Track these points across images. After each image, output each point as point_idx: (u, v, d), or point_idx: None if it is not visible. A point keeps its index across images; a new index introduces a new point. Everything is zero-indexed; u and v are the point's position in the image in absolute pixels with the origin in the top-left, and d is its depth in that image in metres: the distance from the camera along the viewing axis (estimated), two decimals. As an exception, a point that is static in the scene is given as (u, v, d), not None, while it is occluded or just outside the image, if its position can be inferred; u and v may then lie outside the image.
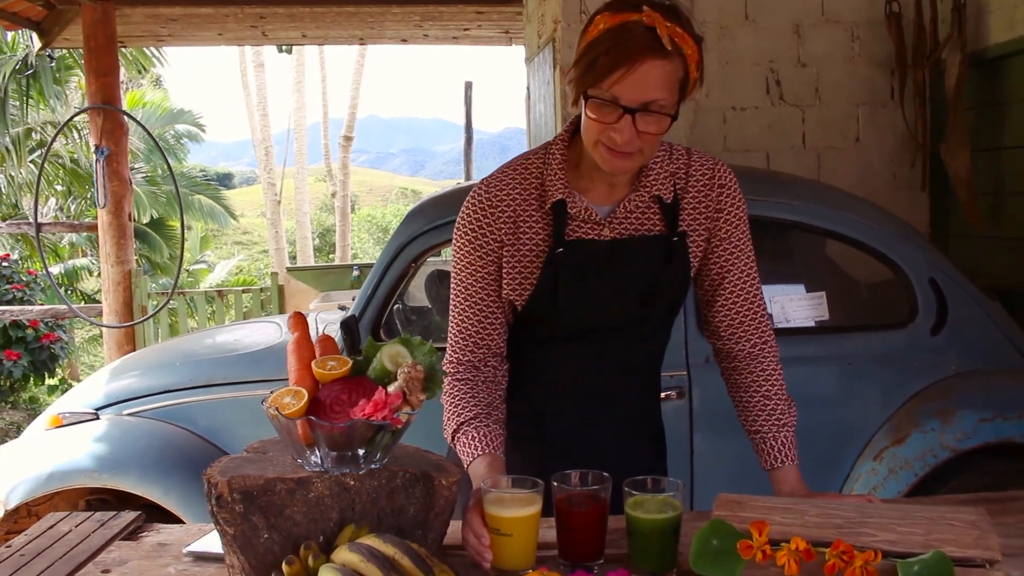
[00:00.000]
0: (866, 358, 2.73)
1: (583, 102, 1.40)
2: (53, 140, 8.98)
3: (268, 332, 3.21)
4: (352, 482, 1.30)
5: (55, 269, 14.83)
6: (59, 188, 14.40)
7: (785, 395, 1.60)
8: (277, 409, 1.28)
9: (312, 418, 1.26)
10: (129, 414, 2.89)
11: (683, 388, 2.63)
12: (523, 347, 1.61)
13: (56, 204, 15.33)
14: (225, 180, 33.91)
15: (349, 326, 2.65)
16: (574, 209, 1.52)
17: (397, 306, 3.07)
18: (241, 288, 7.10)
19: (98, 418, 2.88)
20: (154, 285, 14.83)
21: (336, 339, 2.79)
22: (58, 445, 2.77)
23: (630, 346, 1.61)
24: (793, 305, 2.73)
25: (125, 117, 5.84)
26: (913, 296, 2.74)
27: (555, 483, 1.33)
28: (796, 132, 4.45)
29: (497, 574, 1.32)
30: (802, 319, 2.76)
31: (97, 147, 5.60)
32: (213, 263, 20.34)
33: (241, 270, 21.24)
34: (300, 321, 1.44)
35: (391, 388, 1.32)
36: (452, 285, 1.62)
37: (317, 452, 1.29)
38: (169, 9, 5.80)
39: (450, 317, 1.62)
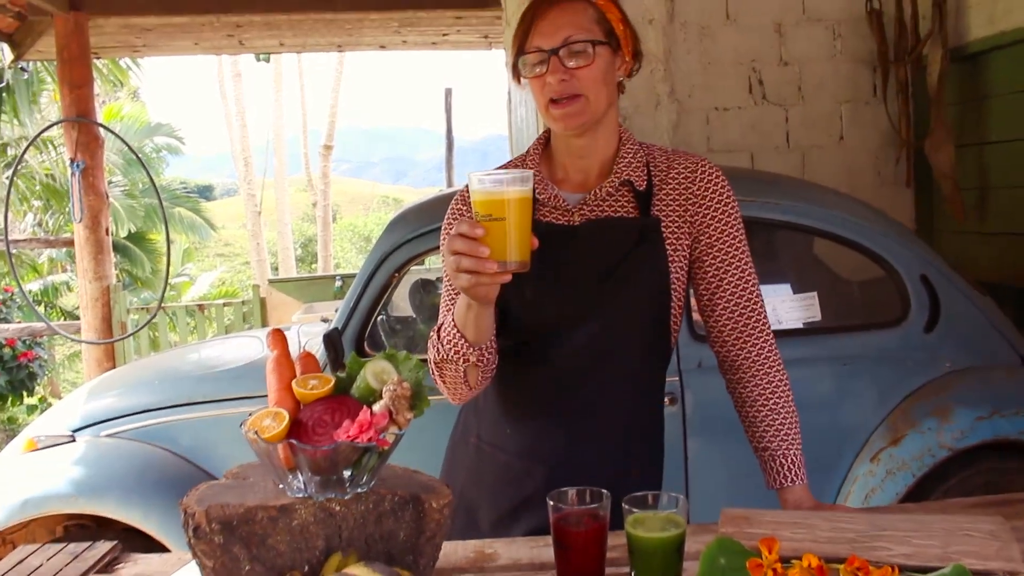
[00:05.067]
0: (860, 358, 2.69)
1: (524, 81, 1.48)
2: (23, 153, 8.87)
3: (250, 347, 3.13)
4: (338, 507, 1.24)
5: (34, 285, 14.65)
6: (37, 203, 14.23)
7: (792, 407, 1.55)
8: (256, 433, 1.22)
9: (293, 442, 1.19)
10: (107, 435, 2.80)
11: (675, 394, 2.58)
12: (504, 368, 1.54)
13: (34, 219, 15.16)
14: (206, 192, 33.69)
15: (332, 339, 2.58)
16: (543, 196, 1.53)
17: (381, 317, 3.00)
18: (222, 301, 7.01)
19: (75, 440, 2.80)
20: (136, 299, 14.71)
21: (319, 354, 2.73)
22: (33, 470, 2.68)
23: (611, 342, 1.52)
24: (785, 307, 2.69)
25: (101, 130, 5.74)
26: (905, 294, 2.70)
27: (551, 502, 1.27)
28: (780, 131, 4.43)
29: (496, 271, 1.22)
30: (794, 320, 2.71)
31: (72, 160, 5.51)
32: (195, 276, 20.18)
33: (223, 282, 21.08)
34: (279, 339, 1.38)
35: (376, 407, 1.26)
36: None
37: (300, 477, 1.23)
38: (143, 19, 5.71)
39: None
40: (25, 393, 7.54)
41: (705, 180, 1.53)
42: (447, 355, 1.44)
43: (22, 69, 6.41)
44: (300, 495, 1.23)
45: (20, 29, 5.86)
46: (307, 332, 3.22)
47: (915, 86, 4.25)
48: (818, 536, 1.15)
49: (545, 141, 1.60)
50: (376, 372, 1.31)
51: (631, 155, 1.53)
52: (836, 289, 2.97)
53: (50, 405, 8.10)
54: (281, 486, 1.25)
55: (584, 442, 1.55)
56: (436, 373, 1.50)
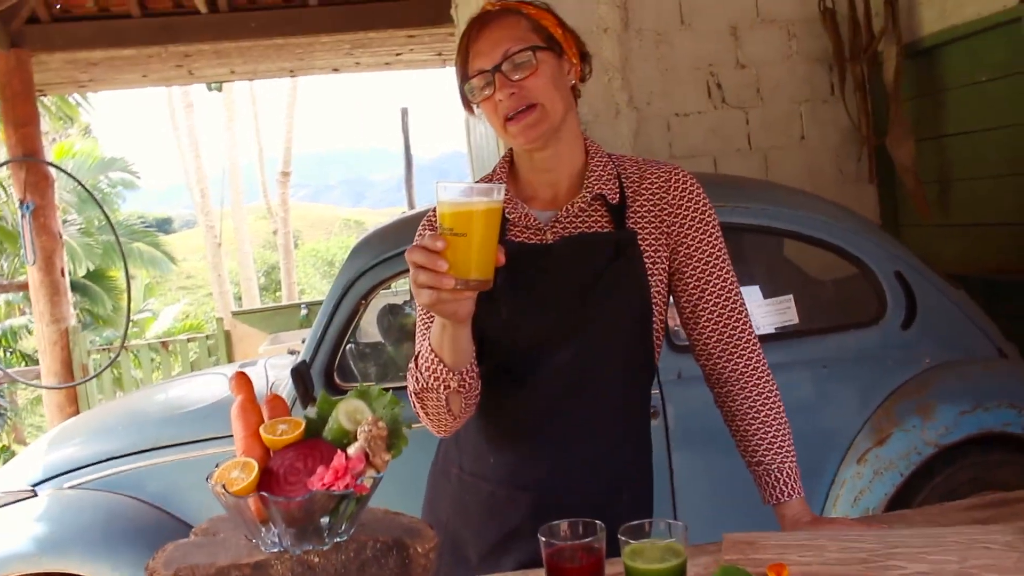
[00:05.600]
0: (839, 360, 2.65)
1: (475, 107, 1.44)
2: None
3: (215, 385, 3.03)
4: (316, 559, 1.16)
5: (-10, 330, 14.31)
6: (-8, 246, 13.94)
7: (783, 418, 1.50)
8: (224, 487, 1.14)
9: (264, 494, 1.11)
10: (70, 487, 2.69)
11: (657, 407, 2.52)
12: (483, 394, 1.47)
13: (-9, 261, 14.84)
14: (164, 225, 33.27)
15: (301, 373, 2.49)
16: (513, 215, 1.47)
17: (350, 345, 2.92)
18: (186, 337, 6.85)
19: (36, 495, 2.67)
20: (98, 339, 14.41)
21: (287, 389, 2.64)
22: (-6, 528, 2.55)
23: (593, 362, 1.45)
24: (761, 312, 2.65)
25: (51, 168, 5.60)
26: (881, 292, 2.68)
27: (543, 538, 1.20)
28: (741, 134, 4.42)
29: (457, 287, 1.14)
30: (771, 325, 2.67)
31: (22, 202, 5.35)
32: (158, 310, 19.85)
33: (188, 315, 20.76)
34: (243, 382, 1.30)
35: (351, 449, 1.18)
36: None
37: (274, 530, 1.15)
38: (88, 53, 5.58)
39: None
40: (-14, 442, 7.32)
41: (679, 188, 1.48)
42: (427, 383, 1.37)
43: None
44: (275, 549, 1.15)
45: (-39, 69, 5.70)
46: (275, 365, 3.13)
47: (872, 83, 4.26)
48: (827, 558, 1.10)
49: (511, 160, 1.54)
50: (349, 412, 1.24)
51: (601, 167, 1.48)
52: (811, 291, 2.94)
53: (14, 453, 7.87)
54: (254, 541, 1.17)
55: (570, 467, 1.48)
56: (417, 404, 1.42)
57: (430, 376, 1.36)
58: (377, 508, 1.32)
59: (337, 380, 2.64)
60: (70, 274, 15.42)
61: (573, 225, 1.46)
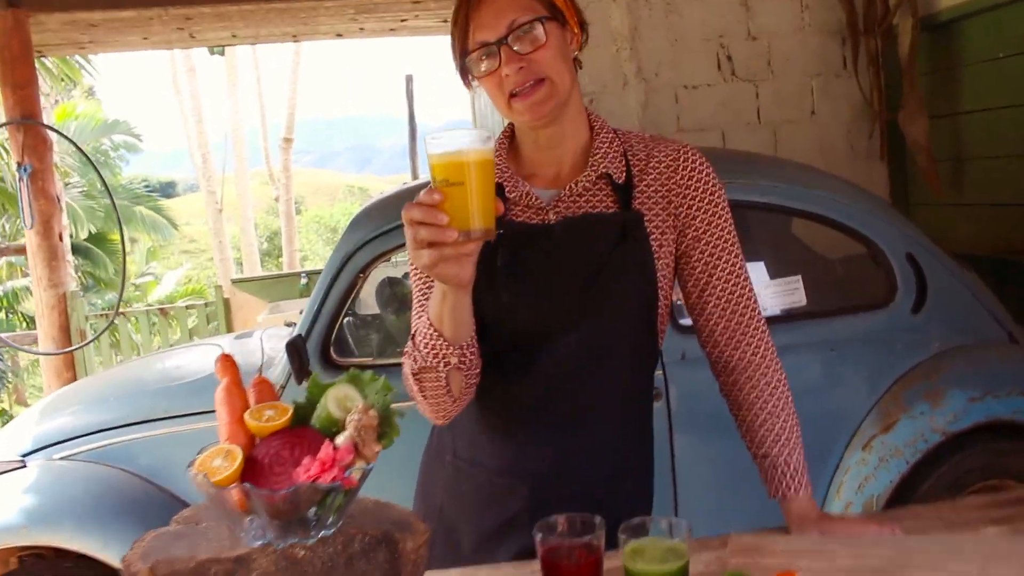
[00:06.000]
0: (847, 343, 2.59)
1: (474, 81, 1.36)
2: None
3: (211, 356, 2.97)
4: (302, 552, 1.11)
5: (-7, 292, 14.30)
6: (-7, 207, 13.90)
7: (791, 409, 1.44)
8: (205, 476, 1.08)
9: (247, 485, 1.06)
10: (61, 458, 2.64)
11: (659, 389, 2.47)
12: (481, 379, 1.41)
13: (-8, 222, 14.81)
14: (168, 188, 33.19)
15: (296, 347, 2.43)
16: (513, 194, 1.40)
17: (349, 319, 2.87)
18: (185, 304, 6.80)
19: (25, 466, 2.63)
20: (100, 302, 14.39)
21: (281, 366, 2.58)
22: (-19, 500, 2.51)
23: (596, 348, 1.39)
24: (768, 292, 2.58)
25: (49, 131, 5.51)
26: (892, 274, 2.61)
27: (539, 534, 1.15)
28: (750, 108, 4.33)
29: (458, 239, 1.10)
30: (778, 306, 2.61)
31: (20, 165, 5.26)
32: (160, 274, 19.82)
33: (190, 279, 20.74)
34: (228, 365, 1.24)
35: (340, 439, 1.12)
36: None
37: (257, 521, 1.09)
38: (88, 14, 5.45)
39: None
40: (-15, 406, 7.30)
41: (688, 168, 1.41)
42: (426, 361, 1.29)
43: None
44: (259, 542, 1.10)
45: (-42, 29, 5.60)
46: (271, 336, 3.08)
47: (886, 57, 4.16)
48: (840, 566, 1.04)
49: (510, 135, 1.47)
50: (339, 399, 1.18)
51: (607, 145, 1.41)
52: (819, 271, 2.87)
53: (11, 417, 7.86)
54: (237, 533, 1.12)
55: (570, 456, 1.43)
56: (415, 387, 1.35)
57: (429, 353, 1.29)
58: (366, 499, 1.26)
59: (333, 355, 2.58)
60: (72, 237, 15.41)
61: (577, 205, 1.39)
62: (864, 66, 4.23)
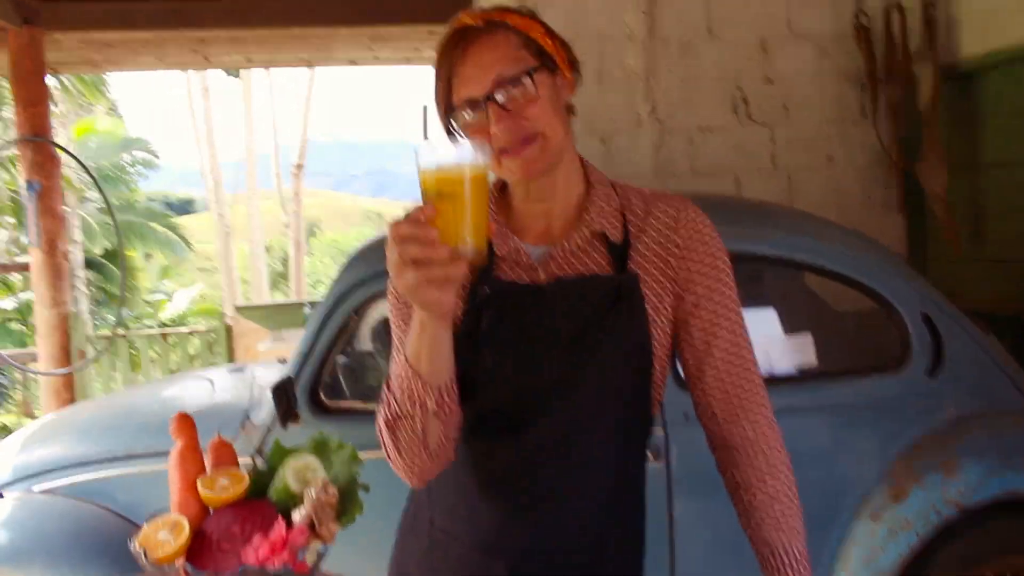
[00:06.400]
0: (857, 406, 2.48)
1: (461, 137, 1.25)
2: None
3: (198, 391, 2.89)
4: (249, 640, 1.01)
5: (8, 303, 14.32)
6: (11, 220, 13.98)
7: (793, 492, 1.33)
8: (145, 552, 0.99)
9: (188, 567, 0.97)
10: (40, 490, 2.56)
11: (659, 449, 2.37)
12: (462, 444, 1.32)
13: (8, 237, 14.88)
14: (187, 206, 33.40)
15: (284, 391, 2.34)
16: (503, 250, 1.31)
17: (342, 359, 2.78)
18: (187, 329, 6.74)
19: (2, 496, 2.55)
20: (112, 317, 14.36)
21: (264, 414, 2.49)
22: (-47, 533, 2.43)
23: (585, 418, 1.29)
24: (776, 351, 2.48)
25: (64, 149, 5.50)
26: (906, 335, 2.50)
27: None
28: (765, 152, 4.25)
29: (449, 257, 1.02)
30: (786, 366, 2.51)
31: (28, 182, 5.24)
32: (172, 292, 19.84)
33: (204, 297, 20.75)
34: (185, 425, 1.16)
35: (297, 515, 1.04)
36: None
37: (201, 606, 1.00)
38: (103, 34, 5.46)
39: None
40: (-16, 421, 7.25)
41: (689, 228, 1.32)
42: (401, 407, 1.19)
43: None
44: (201, 628, 1.01)
45: (-27, 45, 5.61)
46: (264, 372, 2.99)
47: (906, 106, 4.08)
48: None
49: (501, 185, 1.38)
50: (298, 470, 1.09)
51: (603, 200, 1.32)
52: (831, 329, 2.77)
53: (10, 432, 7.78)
54: (179, 616, 1.03)
55: (552, 532, 1.32)
56: (389, 440, 1.24)
57: (404, 397, 1.18)
58: (327, 573, 1.17)
59: (323, 398, 2.49)
60: (86, 252, 15.44)
61: (569, 264, 1.30)
62: (883, 114, 4.14)
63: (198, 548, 1.02)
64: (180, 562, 1.01)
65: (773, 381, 2.46)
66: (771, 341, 2.50)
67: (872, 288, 2.50)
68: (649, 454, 2.31)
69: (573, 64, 1.31)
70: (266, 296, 16.99)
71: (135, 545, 1.02)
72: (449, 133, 1.26)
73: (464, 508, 1.37)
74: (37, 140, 5.13)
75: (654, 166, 4.12)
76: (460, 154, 1.03)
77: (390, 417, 1.21)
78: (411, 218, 1.02)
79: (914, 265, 3.95)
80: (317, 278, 23.69)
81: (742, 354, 1.33)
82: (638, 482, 1.42)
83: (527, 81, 1.21)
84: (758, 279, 2.66)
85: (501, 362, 1.28)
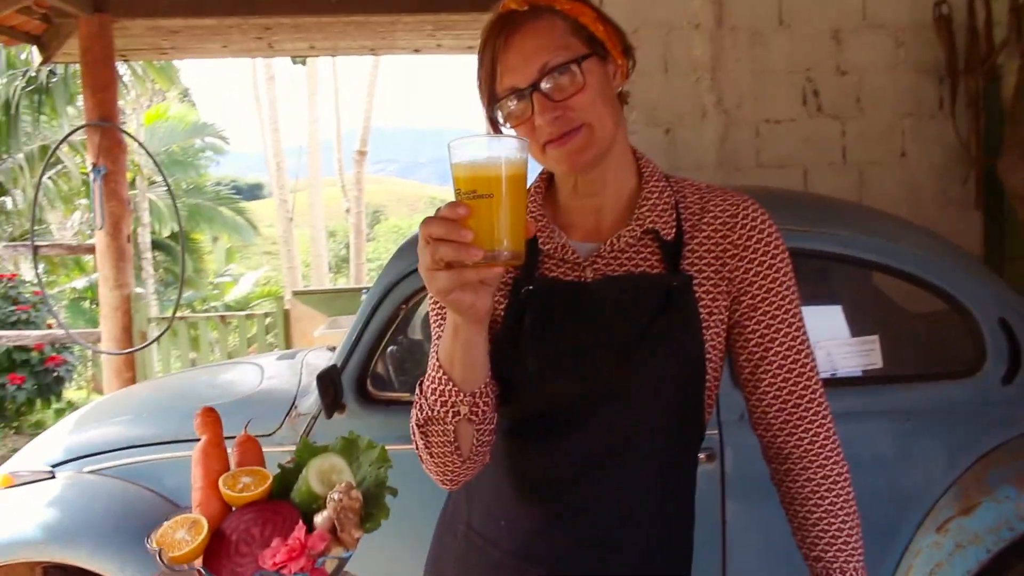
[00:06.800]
0: (926, 412, 2.35)
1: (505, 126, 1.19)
2: (48, 159, 8.79)
3: (247, 377, 2.89)
4: (266, 645, 0.97)
5: (80, 283, 14.74)
6: (83, 202, 14.36)
7: (852, 508, 1.24)
8: (160, 551, 0.95)
9: (201, 570, 0.93)
10: (90, 471, 2.58)
11: (713, 450, 2.28)
12: (501, 447, 1.26)
13: (81, 217, 15.32)
14: (255, 190, 33.97)
15: (330, 380, 2.31)
16: (548, 246, 1.24)
17: (392, 348, 2.74)
18: (245, 313, 6.81)
19: (54, 477, 2.57)
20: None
21: (310, 402, 2.46)
22: (5, 511, 2.45)
23: (632, 427, 1.22)
24: (841, 352, 2.37)
25: (131, 133, 5.59)
26: (981, 340, 2.36)
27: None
28: (835, 146, 4.09)
29: (483, 260, 0.95)
30: (851, 368, 2.39)
31: (95, 166, 5.34)
32: (239, 275, 20.21)
33: (269, 280, 21.07)
34: (210, 420, 1.11)
35: (319, 519, 0.99)
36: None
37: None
38: (170, 21, 5.53)
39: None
40: (53, 398, 7.44)
41: (748, 226, 1.23)
42: (433, 409, 1.14)
43: (51, 72, 6.27)
44: (217, 632, 0.97)
45: (47, 31, 5.73)
46: (314, 359, 2.97)
47: (987, 99, 3.88)
48: None
49: (547, 178, 1.31)
50: (323, 472, 1.04)
51: (656, 195, 1.24)
52: (900, 330, 2.63)
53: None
54: (194, 618, 0.99)
55: (592, 543, 1.25)
56: (420, 441, 1.20)
57: (436, 400, 1.14)
58: (353, 577, 1.12)
59: (371, 389, 2.45)
60: (154, 234, 15.79)
61: (618, 262, 1.23)
62: (962, 108, 3.95)
63: (216, 550, 0.98)
64: (197, 563, 0.97)
65: (838, 383, 2.39)
66: (836, 342, 2.38)
67: (945, 290, 2.36)
68: (702, 456, 2.25)
69: (627, 51, 1.23)
70: (326, 282, 17.17)
71: (151, 544, 0.98)
72: (493, 123, 1.20)
73: (502, 513, 1.31)
74: (103, 125, 5.21)
75: (719, 159, 4.00)
76: (496, 149, 0.97)
77: (421, 420, 1.17)
78: (443, 217, 0.96)
79: (991, 266, 3.76)
80: (380, 264, 23.88)
81: (801, 361, 1.24)
82: (687, 491, 1.34)
83: (574, 69, 1.13)
84: (824, 278, 2.54)
85: (543, 365, 1.21)
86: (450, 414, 1.13)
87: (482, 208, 0.95)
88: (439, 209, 0.98)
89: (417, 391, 1.19)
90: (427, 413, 1.15)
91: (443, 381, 1.12)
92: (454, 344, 1.09)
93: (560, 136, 1.15)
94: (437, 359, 1.13)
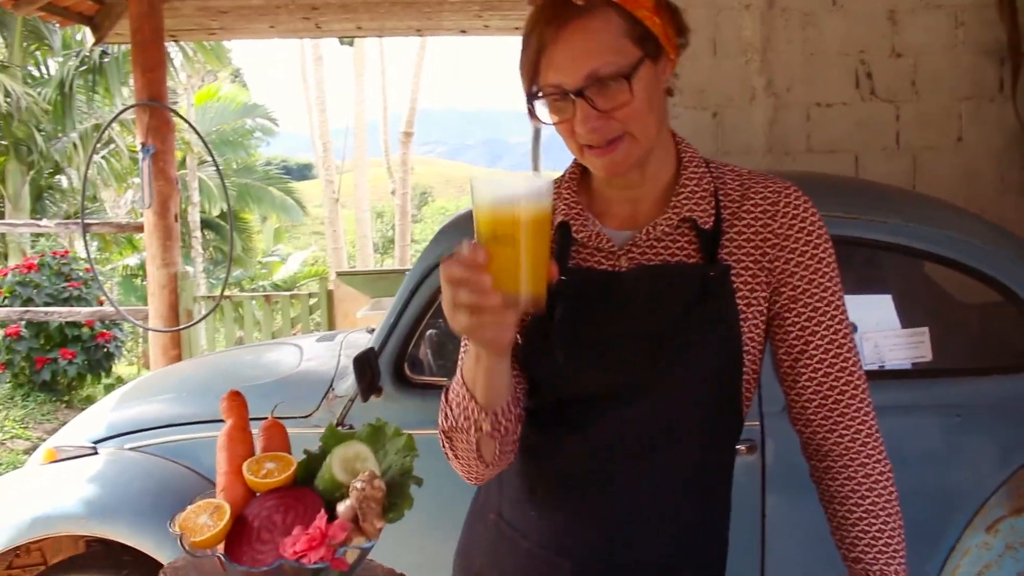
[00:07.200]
0: (977, 407, 2.27)
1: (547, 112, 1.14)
2: (97, 140, 8.93)
3: (286, 358, 2.90)
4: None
5: (132, 260, 15.05)
6: (136, 180, 14.62)
7: (895, 509, 1.20)
8: (182, 536, 0.95)
9: (221, 558, 0.92)
10: (131, 448, 2.61)
11: (755, 441, 2.23)
12: (532, 436, 1.23)
13: (134, 195, 15.61)
14: (305, 171, 34.26)
15: (367, 363, 2.30)
16: (581, 234, 1.21)
17: (431, 331, 2.73)
18: (289, 293, 6.87)
19: (96, 453, 2.61)
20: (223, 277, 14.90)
21: (347, 385, 2.46)
22: (48, 485, 2.49)
23: (666, 421, 1.18)
24: (888, 343, 2.30)
25: (179, 113, 5.65)
26: (1036, 334, 2.28)
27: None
28: (889, 130, 3.98)
29: (503, 305, 0.95)
30: (899, 360, 2.32)
31: (143, 145, 5.40)
32: (287, 255, 20.44)
33: (317, 260, 21.30)
34: (236, 404, 1.10)
35: (341, 508, 0.97)
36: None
37: (237, 595, 0.95)
38: (218, 1, 5.57)
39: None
40: (103, 373, 7.58)
41: (790, 214, 1.18)
42: (456, 421, 1.14)
43: (104, 52, 6.35)
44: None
45: (99, 12, 5.81)
46: (352, 343, 2.97)
47: (1050, 83, 3.74)
48: None
49: (582, 167, 1.26)
50: (346, 460, 1.02)
51: (694, 183, 1.19)
52: (951, 322, 2.55)
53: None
54: (215, 604, 0.98)
55: (624, 538, 1.22)
56: (447, 444, 1.21)
57: (459, 414, 1.13)
58: (378, 565, 1.11)
59: (408, 372, 2.44)
60: (204, 213, 16.00)
61: (654, 251, 1.19)
62: None
63: (237, 536, 0.97)
64: (219, 548, 0.96)
65: (885, 376, 2.32)
66: (884, 334, 2.31)
67: (999, 280, 2.27)
68: (743, 447, 2.20)
69: (681, 32, 1.16)
70: (371, 263, 17.27)
71: (174, 528, 0.97)
72: (531, 113, 1.15)
73: (532, 505, 1.29)
74: (151, 104, 5.26)
75: (767, 142, 3.92)
76: (519, 191, 0.94)
77: (446, 427, 1.17)
78: (463, 260, 0.94)
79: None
80: (424, 243, 23.95)
81: (843, 355, 1.20)
82: (723, 486, 1.30)
83: (623, 84, 1.08)
84: (873, 267, 2.46)
85: (577, 359, 1.18)
86: (472, 428, 1.13)
87: (502, 252, 0.94)
88: (459, 248, 0.96)
89: (443, 398, 1.19)
90: (451, 423, 1.16)
91: (466, 397, 1.12)
92: (476, 368, 1.09)
93: (600, 145, 1.11)
94: (461, 375, 1.13)
